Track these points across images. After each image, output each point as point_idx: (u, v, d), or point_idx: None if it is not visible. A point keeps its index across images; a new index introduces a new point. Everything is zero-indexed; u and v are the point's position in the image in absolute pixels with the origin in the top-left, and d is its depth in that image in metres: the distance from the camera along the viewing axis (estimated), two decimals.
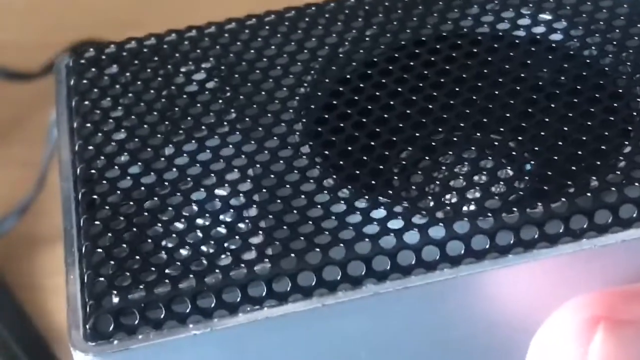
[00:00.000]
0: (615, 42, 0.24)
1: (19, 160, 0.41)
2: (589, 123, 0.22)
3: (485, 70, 0.24)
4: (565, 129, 0.22)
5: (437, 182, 0.22)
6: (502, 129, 0.23)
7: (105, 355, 0.20)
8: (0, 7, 0.46)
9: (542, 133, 0.22)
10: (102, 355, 0.20)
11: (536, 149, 0.22)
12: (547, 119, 0.23)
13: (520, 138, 0.23)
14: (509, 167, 0.22)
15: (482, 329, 0.21)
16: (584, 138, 0.22)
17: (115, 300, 0.20)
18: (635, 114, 0.23)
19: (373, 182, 0.22)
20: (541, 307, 0.20)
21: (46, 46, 0.42)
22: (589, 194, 0.21)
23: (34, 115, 0.42)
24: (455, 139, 0.23)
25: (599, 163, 0.22)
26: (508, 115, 0.23)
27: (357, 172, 0.22)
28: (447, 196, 0.22)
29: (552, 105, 0.23)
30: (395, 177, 0.23)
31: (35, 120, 0.41)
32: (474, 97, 0.23)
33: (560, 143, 0.22)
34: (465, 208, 0.21)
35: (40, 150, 0.39)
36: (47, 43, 0.42)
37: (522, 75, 0.24)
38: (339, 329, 0.21)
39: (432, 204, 0.22)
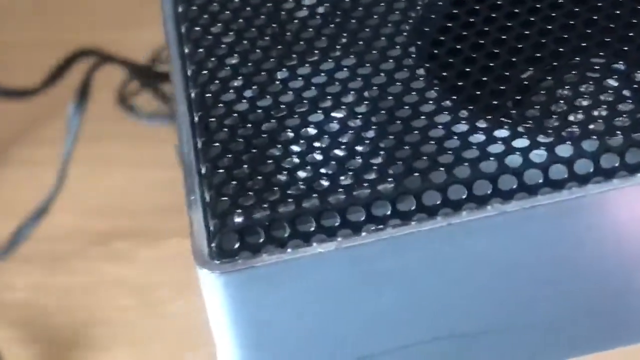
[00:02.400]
0: None
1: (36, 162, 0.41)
2: None
3: (599, 3, 0.23)
4: None
5: (562, 102, 0.22)
6: (625, 48, 0.22)
7: (231, 273, 0.20)
8: (1, 7, 0.46)
9: None
10: (228, 273, 0.20)
11: None
12: None
13: None
14: (635, 86, 0.22)
15: (611, 250, 0.21)
16: None
17: (239, 219, 0.20)
18: None
19: (495, 102, 0.22)
20: None
21: (46, 46, 0.42)
22: None
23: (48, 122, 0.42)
24: (577, 58, 0.23)
25: None
26: (632, 34, 0.22)
27: (477, 93, 0.22)
28: (572, 116, 0.21)
29: None
30: (518, 98, 0.22)
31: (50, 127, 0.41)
32: (595, 17, 0.23)
33: None
34: (592, 126, 0.21)
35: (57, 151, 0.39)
36: (47, 43, 0.42)
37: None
38: (464, 249, 0.21)
39: (557, 123, 0.21)
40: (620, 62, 0.23)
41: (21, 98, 0.40)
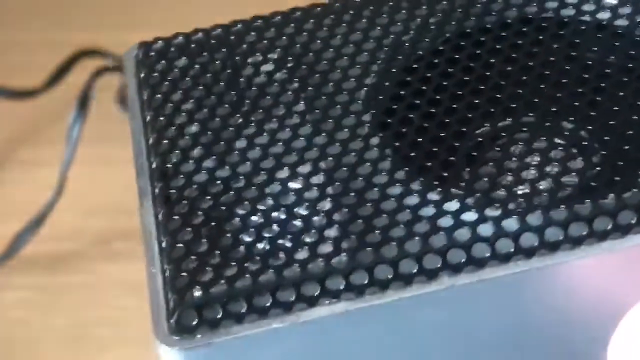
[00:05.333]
0: None
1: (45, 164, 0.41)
2: None
3: (551, 58, 0.24)
4: (635, 117, 0.23)
5: (509, 173, 0.22)
6: (571, 118, 0.23)
7: (189, 349, 0.21)
8: (1, 7, 0.46)
9: (612, 122, 0.23)
10: (186, 348, 0.21)
11: (606, 138, 0.23)
12: (616, 107, 0.23)
13: (590, 127, 0.23)
14: (580, 157, 0.23)
15: (557, 321, 0.21)
16: None
17: (198, 294, 0.21)
18: None
19: (445, 173, 0.22)
20: (618, 300, 0.21)
21: (46, 46, 0.42)
22: None
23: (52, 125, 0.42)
24: (525, 128, 0.23)
25: None
26: (577, 103, 0.23)
27: (429, 164, 0.23)
28: (519, 187, 0.22)
29: (621, 93, 0.23)
30: (467, 169, 0.23)
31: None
32: (542, 86, 0.24)
33: (630, 132, 0.22)
34: (537, 199, 0.22)
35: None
36: (47, 43, 0.42)
37: (589, 62, 0.24)
38: (414, 321, 0.21)
39: (504, 195, 0.22)
40: (570, 119, 0.23)
41: (22, 98, 0.40)
